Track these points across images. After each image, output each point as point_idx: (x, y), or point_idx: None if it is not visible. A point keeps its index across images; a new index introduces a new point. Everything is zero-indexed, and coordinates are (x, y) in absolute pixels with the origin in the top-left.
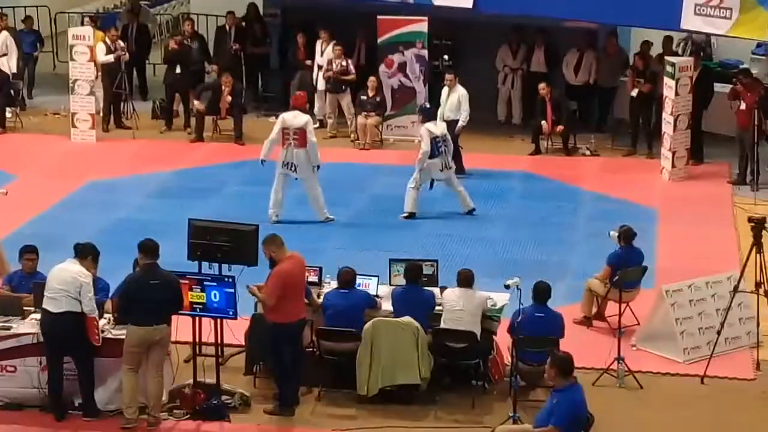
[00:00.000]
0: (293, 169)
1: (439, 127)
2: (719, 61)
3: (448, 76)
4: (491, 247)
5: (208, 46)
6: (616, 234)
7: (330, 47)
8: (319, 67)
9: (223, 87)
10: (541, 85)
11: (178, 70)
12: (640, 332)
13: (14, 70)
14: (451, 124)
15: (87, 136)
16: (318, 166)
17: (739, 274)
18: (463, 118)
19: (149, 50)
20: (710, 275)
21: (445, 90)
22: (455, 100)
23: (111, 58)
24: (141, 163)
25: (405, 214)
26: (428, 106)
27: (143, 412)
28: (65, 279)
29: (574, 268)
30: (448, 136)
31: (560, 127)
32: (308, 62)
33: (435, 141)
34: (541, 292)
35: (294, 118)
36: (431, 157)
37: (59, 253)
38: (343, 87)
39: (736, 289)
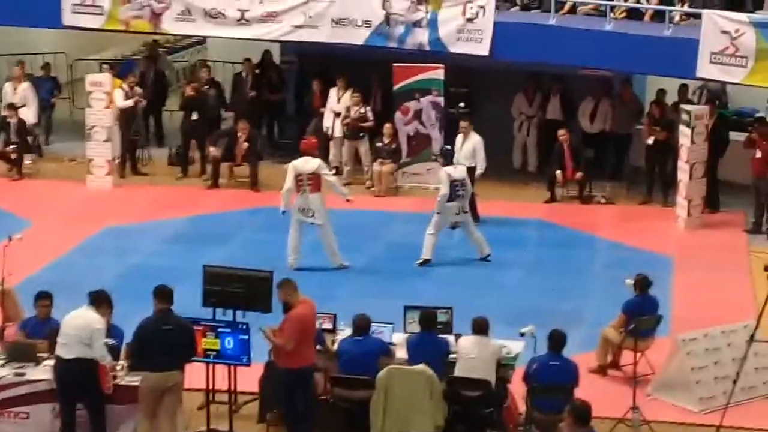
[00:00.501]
0: (310, 214)
1: (458, 171)
2: (735, 109)
3: (462, 124)
4: (506, 294)
5: (225, 92)
6: (632, 282)
7: (348, 94)
8: (337, 114)
9: (239, 133)
10: (561, 132)
11: (194, 116)
12: (656, 381)
13: (34, 121)
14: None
15: (103, 183)
16: (348, 198)
17: (755, 323)
18: (480, 166)
19: (166, 97)
20: (726, 324)
21: (459, 137)
22: (470, 147)
23: (129, 102)
24: (157, 209)
25: (420, 261)
26: (449, 148)
27: None
28: (78, 325)
29: (589, 317)
30: (467, 181)
31: (579, 174)
32: (323, 109)
33: (453, 185)
34: (556, 340)
35: (305, 163)
36: (449, 200)
37: (75, 299)
38: (361, 134)
39: (752, 339)
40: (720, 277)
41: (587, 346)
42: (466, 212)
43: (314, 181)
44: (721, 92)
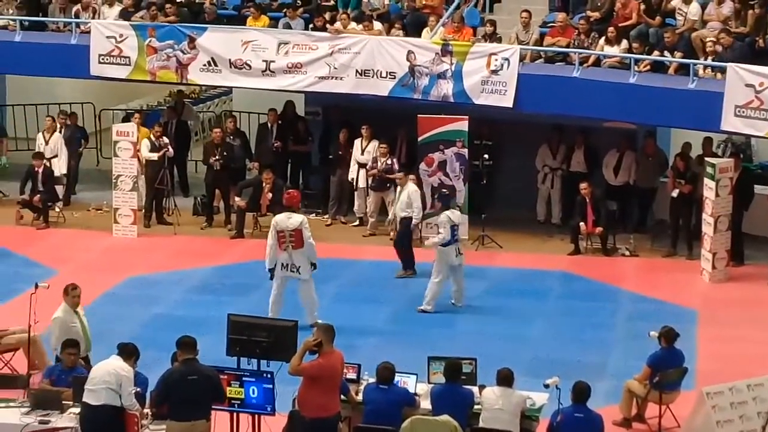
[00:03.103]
0: (295, 270)
1: (455, 215)
2: (759, 162)
3: (398, 175)
4: (530, 346)
5: (250, 143)
6: (656, 335)
7: (373, 145)
8: (361, 165)
9: (264, 184)
10: (583, 185)
11: (218, 166)
12: None
13: (63, 172)
14: (402, 221)
15: (128, 232)
16: (314, 264)
17: None
18: (415, 215)
19: (189, 147)
20: (751, 378)
21: (397, 189)
22: (405, 197)
23: (154, 156)
24: (181, 259)
25: (422, 308)
26: (447, 192)
27: None
28: (107, 371)
29: (613, 369)
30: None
31: (599, 229)
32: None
33: (453, 228)
34: (581, 392)
35: (288, 219)
36: (447, 244)
37: (99, 348)
38: (387, 185)
39: None
40: (745, 331)
41: (611, 398)
42: (462, 254)
43: (297, 237)
44: (745, 145)
